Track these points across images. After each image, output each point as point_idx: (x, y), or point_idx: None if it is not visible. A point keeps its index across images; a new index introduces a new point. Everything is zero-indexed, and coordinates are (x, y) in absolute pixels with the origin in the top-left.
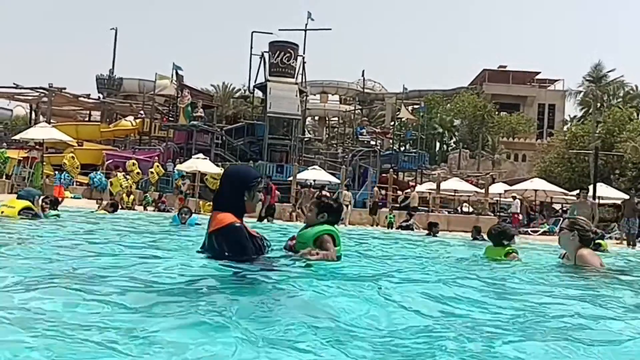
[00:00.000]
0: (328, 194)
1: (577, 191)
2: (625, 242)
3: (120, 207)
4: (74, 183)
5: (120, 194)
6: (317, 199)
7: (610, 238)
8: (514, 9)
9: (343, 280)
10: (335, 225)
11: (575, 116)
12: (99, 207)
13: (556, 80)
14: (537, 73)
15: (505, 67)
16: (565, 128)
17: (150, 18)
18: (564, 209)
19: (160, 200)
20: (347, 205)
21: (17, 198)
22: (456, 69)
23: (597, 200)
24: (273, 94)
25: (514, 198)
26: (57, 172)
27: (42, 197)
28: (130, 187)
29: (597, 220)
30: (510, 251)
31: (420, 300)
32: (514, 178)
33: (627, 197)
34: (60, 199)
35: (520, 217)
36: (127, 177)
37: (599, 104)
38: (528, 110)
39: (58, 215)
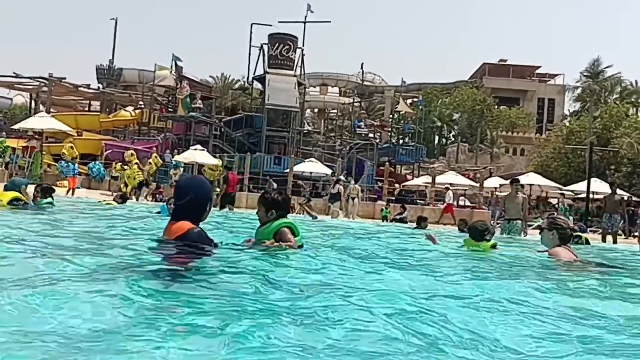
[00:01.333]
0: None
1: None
2: (601, 238)
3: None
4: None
5: (118, 185)
6: (261, 196)
7: (594, 232)
8: (515, 3)
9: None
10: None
11: (574, 111)
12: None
13: (556, 75)
14: (537, 67)
15: (505, 61)
16: (566, 122)
17: (151, 8)
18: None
19: (157, 190)
20: (353, 198)
21: (4, 190)
22: (456, 62)
23: (592, 195)
24: (272, 86)
25: (447, 189)
26: (70, 163)
27: (35, 186)
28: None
29: (526, 213)
30: (494, 244)
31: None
32: (511, 172)
33: (619, 193)
34: (72, 190)
35: (454, 207)
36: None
37: (595, 100)
38: (528, 104)
39: (52, 204)
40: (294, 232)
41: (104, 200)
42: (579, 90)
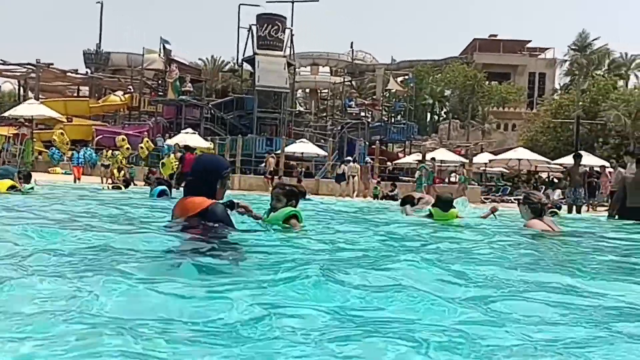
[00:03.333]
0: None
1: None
2: (567, 210)
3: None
4: (64, 159)
5: (111, 169)
6: (282, 188)
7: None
8: None
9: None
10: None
11: (564, 84)
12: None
13: (546, 49)
14: (528, 42)
15: (495, 36)
16: (555, 97)
17: None
18: (551, 178)
19: (150, 172)
20: (353, 177)
21: None
22: (446, 39)
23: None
24: (261, 68)
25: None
26: (75, 152)
27: (16, 173)
28: (121, 162)
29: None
30: (456, 214)
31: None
32: (502, 148)
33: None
34: (78, 179)
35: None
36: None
37: (585, 73)
38: (519, 79)
39: (32, 189)
40: (299, 219)
41: (108, 186)
42: (567, 63)
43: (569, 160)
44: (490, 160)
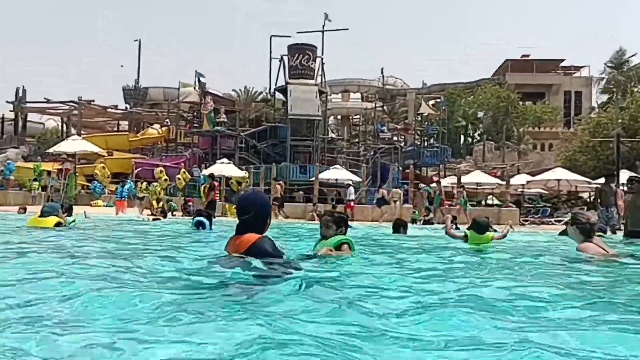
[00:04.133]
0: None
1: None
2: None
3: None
4: (106, 192)
5: (149, 201)
6: (331, 216)
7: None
8: None
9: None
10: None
11: (602, 102)
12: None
13: (581, 67)
14: (562, 60)
15: (528, 56)
16: (592, 115)
17: (172, 28)
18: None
19: (186, 203)
20: (395, 201)
21: (41, 216)
22: (478, 61)
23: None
24: (294, 96)
25: (348, 185)
26: (119, 186)
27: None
28: (159, 193)
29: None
30: (492, 237)
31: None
32: (540, 168)
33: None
34: (121, 212)
35: (353, 203)
36: (155, 184)
37: (622, 90)
38: (554, 98)
39: (74, 222)
40: (351, 247)
41: (148, 217)
42: (604, 81)
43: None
44: (528, 182)
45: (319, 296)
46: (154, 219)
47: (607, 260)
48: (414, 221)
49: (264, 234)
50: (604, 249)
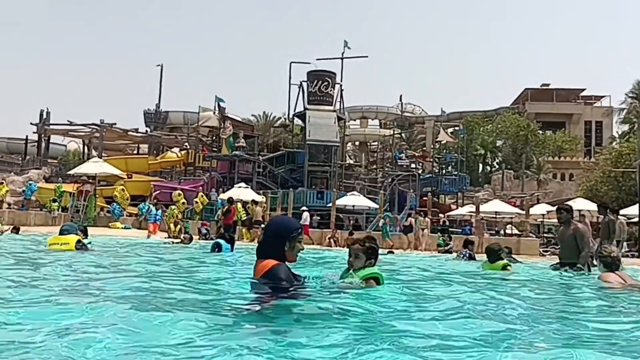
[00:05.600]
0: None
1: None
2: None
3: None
4: (124, 214)
5: (167, 223)
6: (362, 245)
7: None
8: (554, 27)
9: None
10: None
11: (623, 132)
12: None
13: (602, 97)
14: (582, 90)
15: (548, 85)
16: (614, 144)
17: (194, 53)
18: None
19: (202, 225)
20: (423, 229)
21: (62, 234)
22: (497, 90)
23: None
24: (312, 122)
25: (303, 212)
26: (153, 208)
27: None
28: (177, 216)
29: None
30: (506, 265)
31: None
32: (560, 198)
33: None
34: (151, 234)
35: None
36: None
37: None
38: (574, 128)
39: (90, 243)
40: (380, 283)
41: (172, 241)
42: (625, 112)
43: (633, 210)
44: (548, 212)
45: (317, 325)
46: (181, 242)
47: (625, 288)
48: (439, 246)
49: (283, 262)
50: (623, 279)
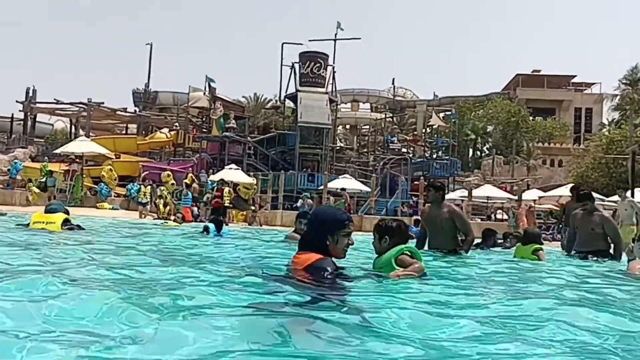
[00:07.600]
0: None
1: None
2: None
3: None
4: (112, 194)
5: (157, 204)
6: (376, 224)
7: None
8: (547, 13)
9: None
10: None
11: (613, 119)
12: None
13: (593, 84)
14: (573, 77)
15: (539, 71)
16: (604, 131)
17: (184, 32)
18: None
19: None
20: None
21: (47, 212)
22: (488, 75)
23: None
24: (304, 104)
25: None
26: (189, 193)
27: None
28: (166, 197)
29: None
30: (539, 249)
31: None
32: (550, 184)
33: None
34: (187, 220)
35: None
36: (162, 187)
37: (636, 108)
38: (564, 114)
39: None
40: (415, 257)
41: (166, 222)
42: (617, 98)
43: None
44: (539, 197)
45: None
46: (174, 221)
47: None
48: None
49: (328, 256)
50: None
